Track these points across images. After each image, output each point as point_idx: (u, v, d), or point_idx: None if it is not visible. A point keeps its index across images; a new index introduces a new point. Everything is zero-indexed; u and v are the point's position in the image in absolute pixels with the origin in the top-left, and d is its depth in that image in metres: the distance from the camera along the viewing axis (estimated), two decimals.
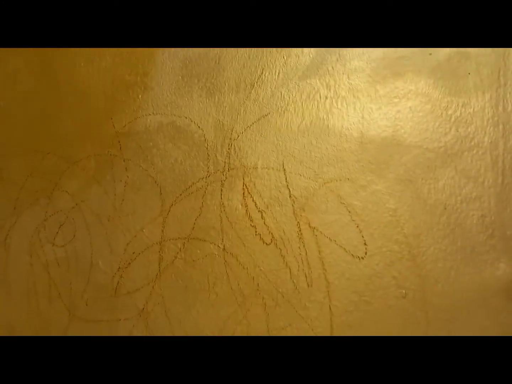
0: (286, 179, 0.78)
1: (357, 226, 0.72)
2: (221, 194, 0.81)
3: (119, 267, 0.85)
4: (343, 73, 0.77)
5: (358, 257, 0.72)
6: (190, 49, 0.86)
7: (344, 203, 0.74)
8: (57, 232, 0.91)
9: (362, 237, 0.72)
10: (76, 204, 0.90)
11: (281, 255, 0.76)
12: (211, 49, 0.85)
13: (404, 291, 0.68)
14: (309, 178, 0.76)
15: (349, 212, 0.73)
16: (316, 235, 0.74)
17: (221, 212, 0.81)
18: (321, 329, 0.71)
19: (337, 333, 0.71)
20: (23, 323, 0.90)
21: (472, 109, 0.71)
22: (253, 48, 0.82)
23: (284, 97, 0.80)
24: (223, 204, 0.81)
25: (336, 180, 0.75)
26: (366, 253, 0.71)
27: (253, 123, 0.81)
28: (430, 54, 0.72)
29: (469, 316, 0.66)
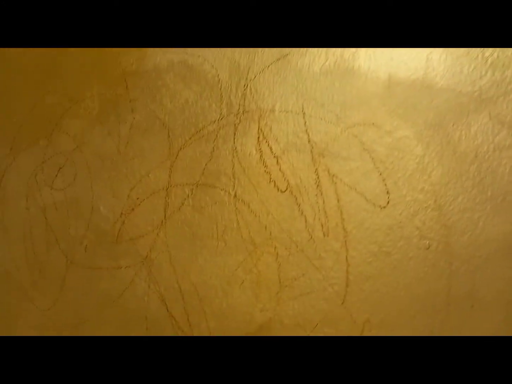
0: (305, 123, 0.73)
1: (380, 174, 0.68)
2: (234, 138, 0.76)
3: (122, 213, 0.80)
4: None
5: (380, 206, 0.67)
6: None
7: (367, 149, 0.69)
8: (56, 175, 0.85)
9: (385, 185, 0.67)
10: (77, 146, 0.85)
11: (297, 203, 0.71)
12: None
13: (427, 242, 0.65)
14: (331, 122, 0.71)
15: (372, 159, 0.69)
16: (335, 183, 0.70)
17: (233, 157, 0.76)
18: (336, 280, 0.68)
19: (353, 284, 0.67)
20: (20, 269, 0.85)
21: (510, 52, 0.66)
22: None
23: None
24: (235, 149, 0.76)
25: (360, 125, 0.70)
26: (388, 202, 0.67)
27: (271, 63, 0.75)
28: None
29: (496, 267, 0.62)
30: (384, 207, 0.67)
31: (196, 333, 0.73)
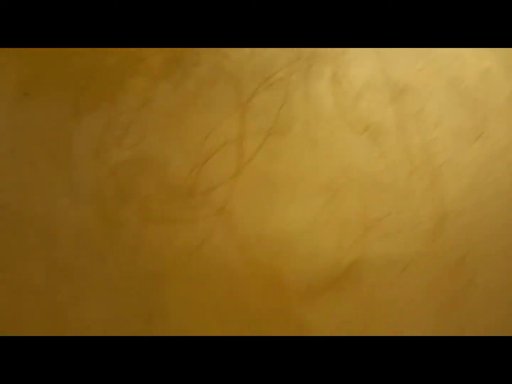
0: (382, 61, 0.70)
1: (469, 108, 0.66)
2: (306, 84, 0.74)
3: (194, 167, 0.80)
4: None
5: (469, 140, 0.65)
6: None
7: (453, 83, 0.66)
8: (124, 134, 0.86)
9: (475, 119, 0.65)
10: (143, 104, 0.84)
11: (377, 145, 0.70)
12: None
13: None
14: (411, 56, 0.69)
15: (459, 92, 0.66)
16: (419, 120, 0.68)
17: (306, 102, 0.74)
18: (425, 218, 0.66)
19: (445, 222, 0.65)
20: (91, 230, 0.87)
21: None
22: None
23: None
24: (308, 94, 0.74)
25: (444, 58, 0.67)
26: (481, 135, 0.65)
27: None
28: None
29: None
30: (475, 141, 0.65)
31: (281, 278, 0.73)
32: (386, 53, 0.70)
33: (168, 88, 0.83)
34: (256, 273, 0.74)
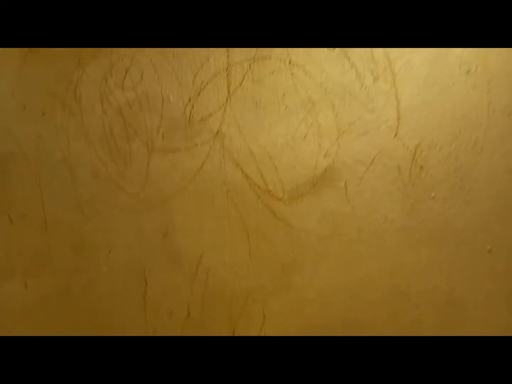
0: None
1: None
2: None
3: (190, 98, 0.91)
4: None
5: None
6: None
7: None
8: (124, 76, 0.96)
9: None
10: (139, 48, 0.94)
11: (347, 57, 0.81)
12: None
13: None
14: None
15: None
16: None
17: None
18: (388, 117, 0.79)
19: (404, 117, 0.78)
20: (107, 165, 0.99)
21: None
22: None
23: None
24: None
25: None
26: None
27: None
28: None
29: None
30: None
31: (270, 186, 0.87)
32: None
33: None
34: (250, 185, 0.87)
